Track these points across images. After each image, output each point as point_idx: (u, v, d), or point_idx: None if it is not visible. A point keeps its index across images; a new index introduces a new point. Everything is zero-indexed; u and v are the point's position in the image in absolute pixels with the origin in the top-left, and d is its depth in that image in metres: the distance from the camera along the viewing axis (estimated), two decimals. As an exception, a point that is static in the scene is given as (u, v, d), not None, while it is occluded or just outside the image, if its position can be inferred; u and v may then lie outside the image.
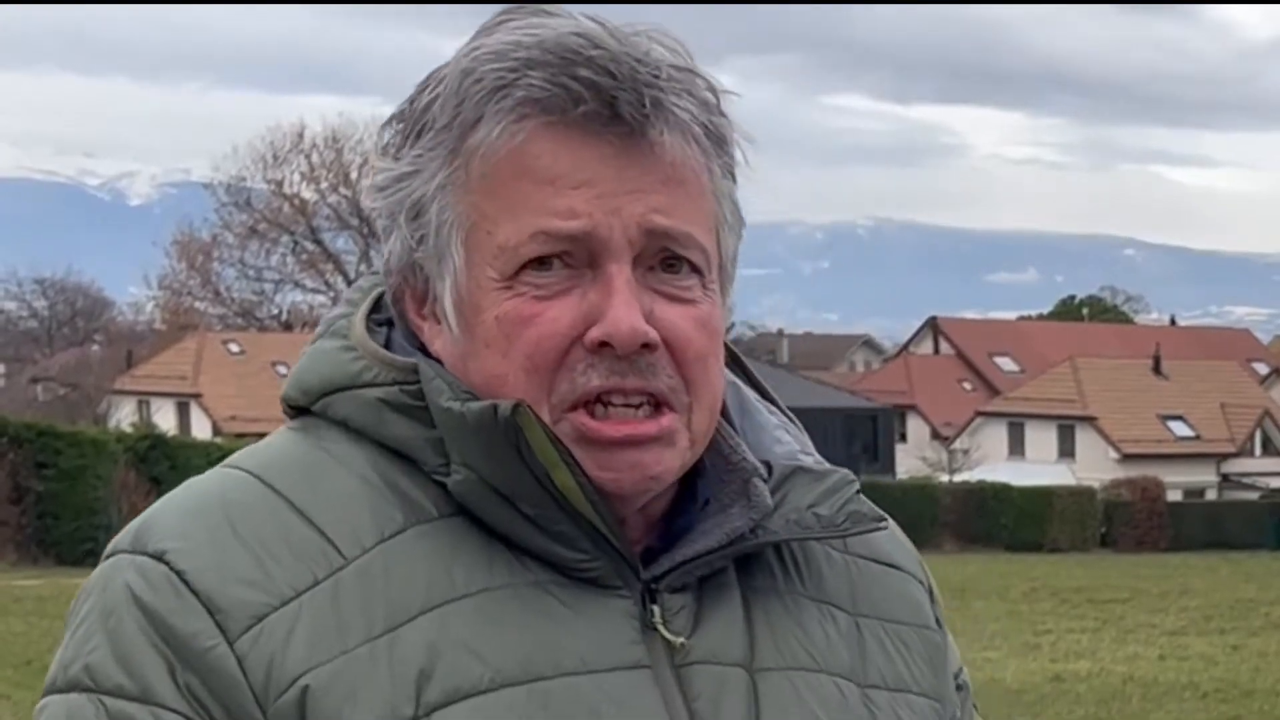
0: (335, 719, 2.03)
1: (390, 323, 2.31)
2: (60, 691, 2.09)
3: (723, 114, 2.18)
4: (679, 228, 2.11)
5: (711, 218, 2.18)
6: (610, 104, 2.04)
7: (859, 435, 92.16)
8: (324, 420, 2.25)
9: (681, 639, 2.17)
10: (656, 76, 2.07)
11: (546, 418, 2.08)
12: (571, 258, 2.09)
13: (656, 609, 2.18)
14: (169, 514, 2.17)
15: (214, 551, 2.09)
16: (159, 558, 2.08)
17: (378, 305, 2.32)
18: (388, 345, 2.26)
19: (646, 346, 2.08)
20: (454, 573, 2.12)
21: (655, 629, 2.17)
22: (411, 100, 2.19)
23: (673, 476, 2.19)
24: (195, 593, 2.05)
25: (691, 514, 2.26)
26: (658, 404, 2.13)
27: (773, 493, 2.28)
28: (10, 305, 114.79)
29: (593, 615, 2.15)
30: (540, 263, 2.09)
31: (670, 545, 2.23)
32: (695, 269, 2.15)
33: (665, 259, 2.13)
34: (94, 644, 2.07)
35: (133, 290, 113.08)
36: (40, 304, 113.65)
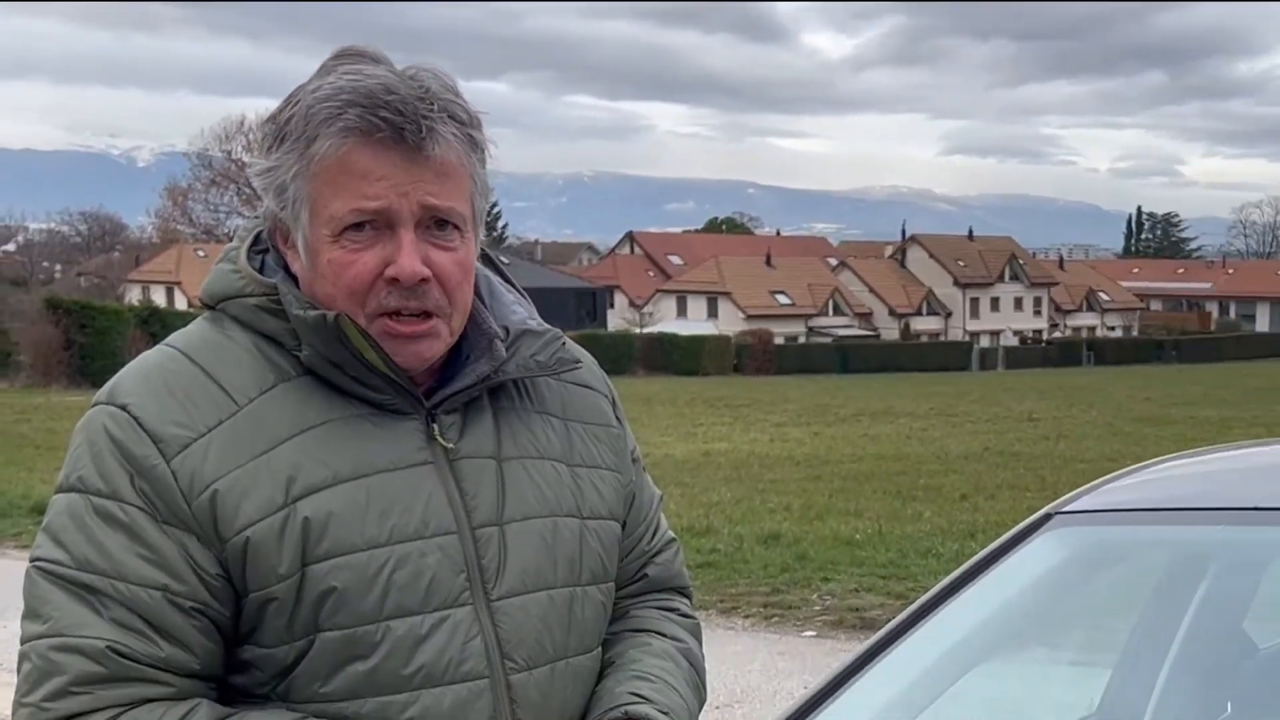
0: (235, 510, 2.13)
1: (266, 250, 2.34)
2: (64, 491, 2.18)
3: (476, 126, 2.26)
4: (444, 204, 2.20)
5: (468, 193, 2.26)
6: (400, 132, 2.15)
7: (584, 305, 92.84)
8: (224, 314, 2.30)
9: (451, 444, 2.29)
10: (431, 109, 2.17)
11: (361, 322, 2.20)
12: (376, 224, 2.18)
13: (436, 426, 2.28)
14: (129, 379, 2.25)
15: (157, 404, 2.18)
16: (123, 408, 2.18)
17: (258, 238, 2.35)
18: (263, 266, 2.32)
19: (423, 281, 2.20)
20: (307, 412, 2.22)
21: (435, 439, 2.28)
22: (280, 110, 2.25)
23: (440, 355, 2.29)
24: (146, 430, 2.15)
25: (458, 363, 2.33)
26: (429, 315, 2.23)
27: (509, 347, 2.36)
28: (65, 229, 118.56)
29: (395, 433, 2.26)
30: (356, 227, 2.18)
31: (444, 384, 2.31)
32: (456, 227, 2.24)
33: (437, 221, 2.21)
34: (83, 463, 2.17)
35: (140, 219, 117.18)
36: (83, 228, 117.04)
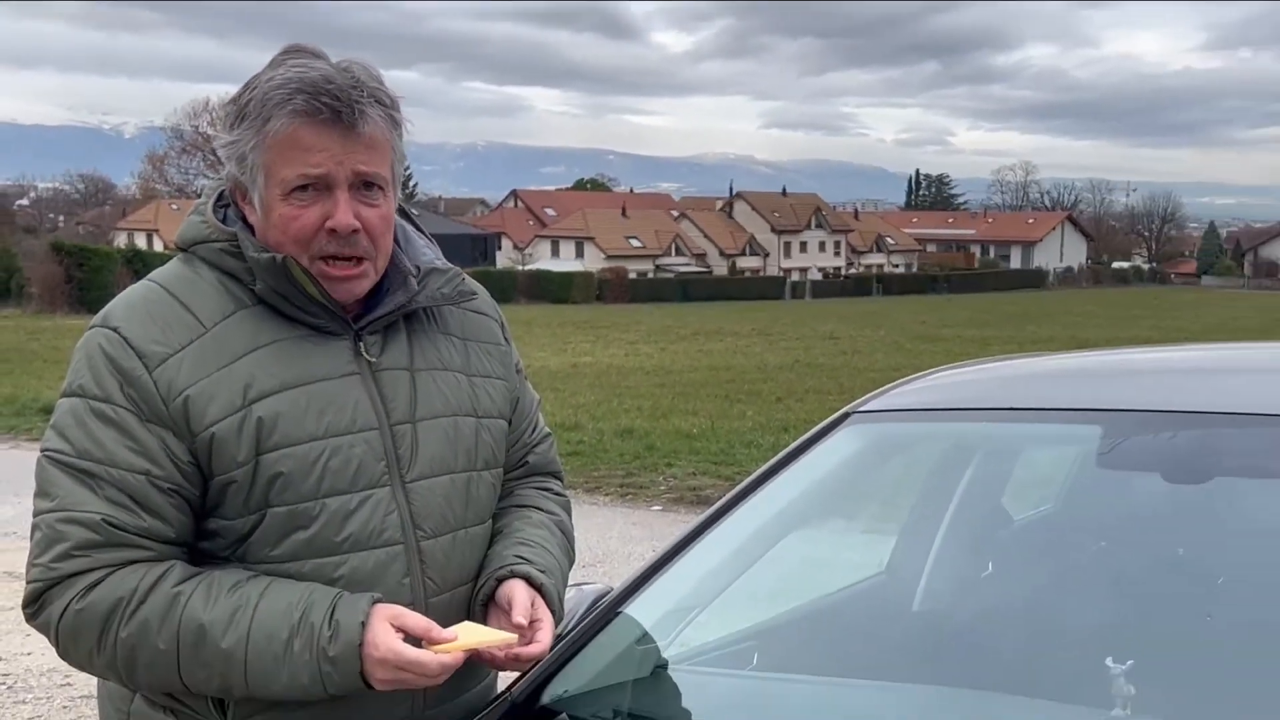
0: (203, 411, 2.19)
1: (228, 205, 2.36)
2: (67, 396, 2.23)
3: (395, 108, 2.29)
4: (372, 170, 2.24)
5: (390, 161, 2.29)
6: (337, 115, 2.19)
7: (478, 248, 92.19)
8: (194, 256, 2.33)
9: (374, 359, 2.33)
10: (361, 95, 2.21)
11: (305, 264, 2.24)
12: (317, 186, 2.22)
13: (362, 345, 2.32)
14: (119, 307, 2.28)
15: (141, 327, 2.22)
16: (115, 330, 2.22)
17: (221, 196, 2.37)
18: (225, 218, 2.34)
19: (354, 231, 2.23)
20: (260, 333, 2.26)
21: (361, 354, 2.32)
22: (239, 95, 2.26)
23: (367, 289, 2.32)
24: (133, 348, 2.19)
25: (380, 295, 2.36)
26: (360, 260, 2.27)
27: (420, 282, 2.39)
28: (66, 188, 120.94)
29: (330, 350, 2.30)
30: (302, 188, 2.21)
31: (369, 311, 2.34)
32: (380, 188, 2.27)
33: (365, 183, 2.24)
34: (83, 374, 2.22)
35: (126, 180, 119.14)
36: (80, 187, 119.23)
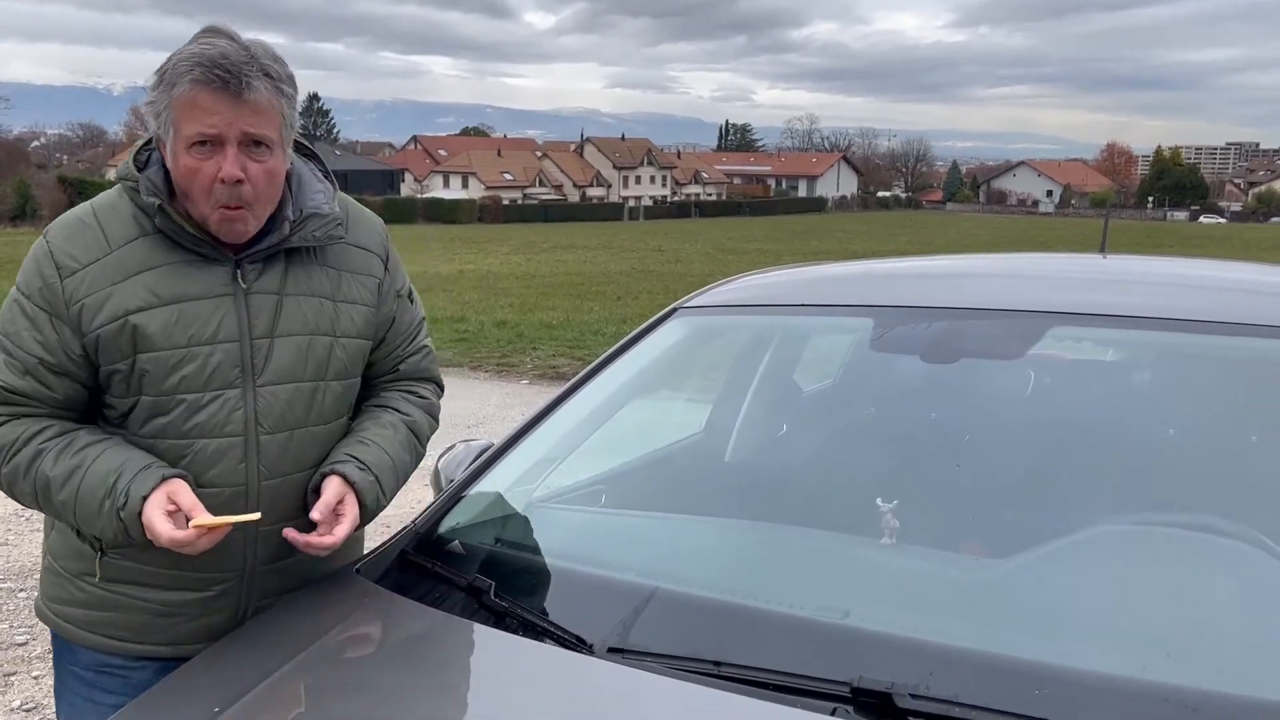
0: (92, 319, 2.18)
1: (154, 151, 2.27)
2: (15, 288, 2.25)
3: (283, 80, 2.18)
4: (259, 131, 2.14)
5: (278, 125, 2.18)
6: (225, 84, 2.10)
7: (387, 180, 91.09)
8: (124, 188, 2.27)
9: (247, 284, 2.25)
10: (251, 70, 2.11)
11: (207, 212, 2.18)
12: (213, 143, 2.13)
13: (240, 271, 2.25)
14: (58, 224, 2.26)
15: (66, 244, 2.21)
16: (48, 243, 2.22)
17: (149, 142, 2.28)
18: (148, 163, 2.26)
19: (239, 182, 2.14)
20: (154, 257, 2.21)
21: (238, 280, 2.24)
22: (163, 65, 2.17)
23: (253, 232, 2.24)
24: (54, 261, 2.20)
25: (265, 234, 2.27)
26: (242, 207, 2.18)
27: (297, 225, 2.29)
28: (69, 134, 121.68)
29: (210, 274, 2.23)
30: (200, 143, 2.13)
31: (253, 246, 2.27)
32: (267, 146, 2.17)
33: (254, 141, 2.15)
34: (24, 274, 2.24)
35: (115, 128, 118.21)
36: (80, 133, 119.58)
